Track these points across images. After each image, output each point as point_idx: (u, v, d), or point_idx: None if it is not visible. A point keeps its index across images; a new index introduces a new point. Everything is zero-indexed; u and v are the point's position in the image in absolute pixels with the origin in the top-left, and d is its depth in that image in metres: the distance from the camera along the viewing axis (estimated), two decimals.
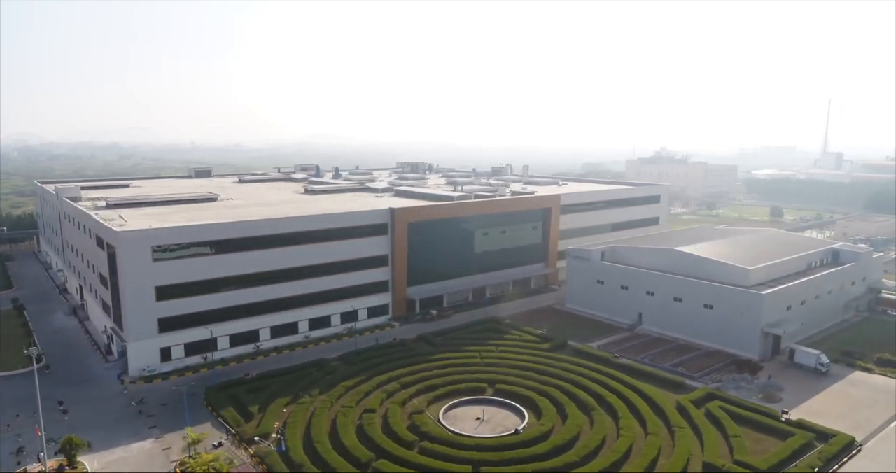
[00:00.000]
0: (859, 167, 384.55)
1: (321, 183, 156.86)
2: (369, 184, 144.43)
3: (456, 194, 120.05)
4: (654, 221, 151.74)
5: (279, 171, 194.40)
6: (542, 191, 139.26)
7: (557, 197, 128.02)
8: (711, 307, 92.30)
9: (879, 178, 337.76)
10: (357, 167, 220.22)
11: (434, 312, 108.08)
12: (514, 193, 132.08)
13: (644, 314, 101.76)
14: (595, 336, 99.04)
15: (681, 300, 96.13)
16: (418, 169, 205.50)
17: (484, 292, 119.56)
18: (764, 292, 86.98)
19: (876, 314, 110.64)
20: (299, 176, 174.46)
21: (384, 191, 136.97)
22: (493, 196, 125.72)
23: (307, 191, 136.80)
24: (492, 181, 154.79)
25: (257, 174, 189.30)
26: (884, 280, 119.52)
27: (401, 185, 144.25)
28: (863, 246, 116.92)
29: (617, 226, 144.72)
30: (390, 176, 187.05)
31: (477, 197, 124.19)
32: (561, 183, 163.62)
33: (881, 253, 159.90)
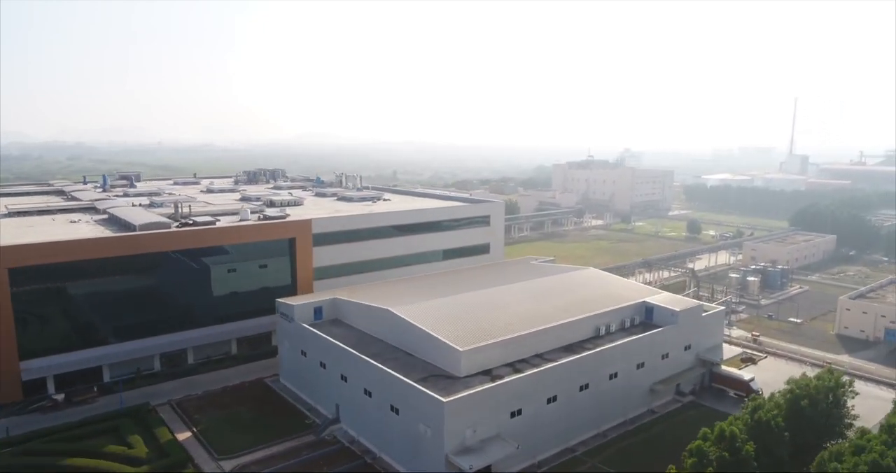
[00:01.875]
0: (818, 172, 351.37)
1: (72, 196, 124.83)
2: (98, 205, 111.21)
3: (139, 223, 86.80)
4: (483, 249, 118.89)
5: (79, 181, 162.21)
6: (308, 212, 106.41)
7: (306, 223, 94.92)
8: (397, 411, 59.55)
9: (836, 185, 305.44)
10: (194, 175, 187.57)
11: (58, 398, 75.12)
12: (264, 217, 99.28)
13: (342, 407, 69.04)
14: (267, 440, 66.32)
15: (370, 394, 63.39)
16: (256, 177, 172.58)
17: (185, 357, 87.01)
18: (446, 398, 54.01)
19: (710, 395, 78.21)
20: (63, 187, 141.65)
21: (103, 213, 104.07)
22: (214, 222, 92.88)
23: None
24: (276, 197, 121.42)
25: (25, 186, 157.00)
26: (731, 345, 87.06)
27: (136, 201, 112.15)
28: (690, 300, 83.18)
29: (450, 254, 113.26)
30: (210, 185, 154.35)
31: (194, 224, 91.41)
32: (384, 198, 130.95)
33: (781, 283, 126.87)
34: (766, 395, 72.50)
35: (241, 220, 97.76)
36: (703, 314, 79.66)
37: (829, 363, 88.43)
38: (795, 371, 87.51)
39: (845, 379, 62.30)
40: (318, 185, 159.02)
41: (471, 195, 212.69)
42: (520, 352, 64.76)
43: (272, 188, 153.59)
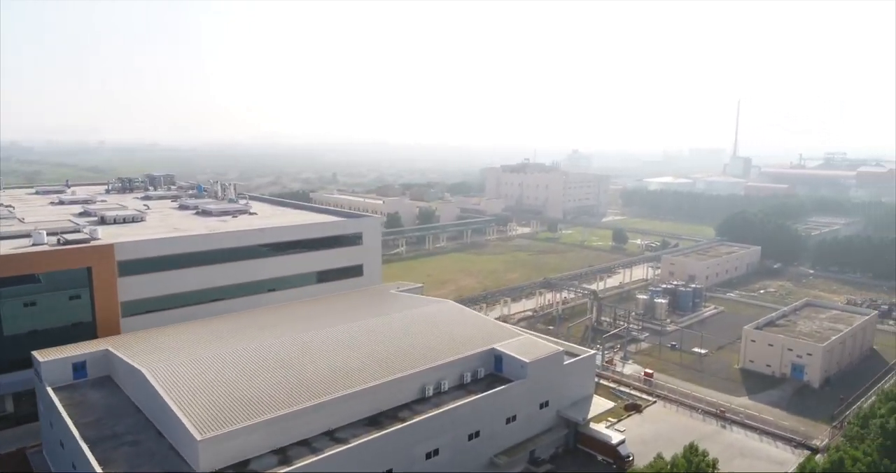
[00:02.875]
0: (759, 175, 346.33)
1: None
2: None
3: None
4: (354, 272, 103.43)
5: None
6: (139, 231, 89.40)
7: (105, 249, 77.67)
8: None
9: (773, 189, 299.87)
10: (66, 182, 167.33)
11: None
12: (65, 242, 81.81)
13: None
14: None
15: None
16: (131, 185, 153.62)
17: None
18: None
19: (574, 461, 64.42)
20: None
21: None
22: None
23: None
24: (110, 212, 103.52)
25: None
26: (620, 386, 73.72)
27: None
28: (550, 346, 67.20)
29: (312, 279, 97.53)
30: (66, 195, 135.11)
31: None
32: (251, 212, 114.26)
33: (693, 304, 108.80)
34: (641, 460, 59.88)
35: (33, 245, 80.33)
36: (567, 361, 65.87)
37: (723, 410, 76.02)
38: (684, 421, 75.02)
39: (711, 458, 49.00)
40: (198, 194, 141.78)
41: (383, 203, 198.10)
42: (298, 432, 49.57)
43: (141, 198, 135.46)
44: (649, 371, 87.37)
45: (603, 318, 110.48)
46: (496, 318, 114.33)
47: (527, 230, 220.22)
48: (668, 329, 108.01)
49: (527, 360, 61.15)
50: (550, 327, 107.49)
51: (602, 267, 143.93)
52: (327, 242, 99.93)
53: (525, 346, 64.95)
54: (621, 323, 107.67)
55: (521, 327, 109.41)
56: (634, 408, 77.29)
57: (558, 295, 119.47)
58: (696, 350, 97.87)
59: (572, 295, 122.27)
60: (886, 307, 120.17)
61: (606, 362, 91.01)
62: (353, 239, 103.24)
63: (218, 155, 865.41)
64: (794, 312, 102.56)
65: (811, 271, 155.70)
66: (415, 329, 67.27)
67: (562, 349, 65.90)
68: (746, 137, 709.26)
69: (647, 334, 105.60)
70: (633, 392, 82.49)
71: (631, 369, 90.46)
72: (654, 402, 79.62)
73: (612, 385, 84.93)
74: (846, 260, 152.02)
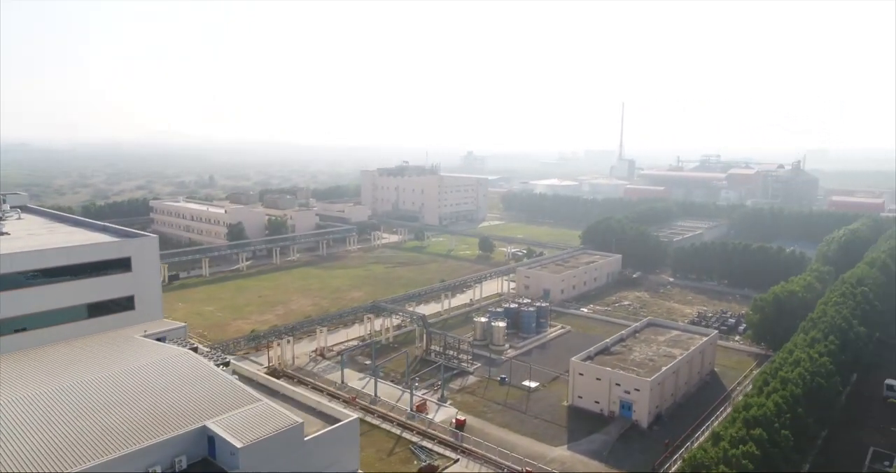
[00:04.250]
0: (638, 177, 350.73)
1: None
2: None
3: None
4: (124, 305, 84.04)
5: None
6: None
7: None
8: None
9: (651, 191, 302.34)
10: None
11: None
12: None
13: None
14: None
15: None
16: None
17: None
18: None
19: None
20: None
21: None
22: None
23: None
24: None
25: None
26: (427, 438, 59.57)
27: None
28: (286, 417, 51.60)
29: (92, 312, 77.71)
30: None
31: None
32: (3, 231, 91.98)
33: (537, 325, 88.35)
34: None
35: None
36: (315, 434, 50.92)
37: (529, 471, 63.94)
38: None
39: None
40: None
41: (226, 212, 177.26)
42: None
43: None
44: (461, 417, 74.37)
45: (433, 347, 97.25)
46: (313, 351, 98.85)
47: (396, 238, 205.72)
48: (503, 357, 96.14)
49: (239, 444, 45.45)
50: (367, 361, 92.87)
51: (451, 283, 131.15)
52: (81, 270, 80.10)
53: (251, 420, 49.26)
54: (451, 352, 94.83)
55: (337, 362, 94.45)
56: (430, 472, 63.79)
57: (388, 321, 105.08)
58: (525, 384, 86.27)
59: (400, 321, 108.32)
60: (734, 320, 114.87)
61: (417, 408, 77.30)
62: (118, 266, 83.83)
63: (96, 156, 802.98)
64: (634, 335, 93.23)
65: (671, 279, 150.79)
66: (113, 399, 49.85)
67: (300, 421, 50.62)
68: (633, 138, 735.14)
69: (478, 365, 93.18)
70: (436, 447, 69.13)
71: (445, 414, 77.22)
72: (457, 461, 66.48)
73: (415, 439, 71.29)
74: (703, 267, 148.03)
